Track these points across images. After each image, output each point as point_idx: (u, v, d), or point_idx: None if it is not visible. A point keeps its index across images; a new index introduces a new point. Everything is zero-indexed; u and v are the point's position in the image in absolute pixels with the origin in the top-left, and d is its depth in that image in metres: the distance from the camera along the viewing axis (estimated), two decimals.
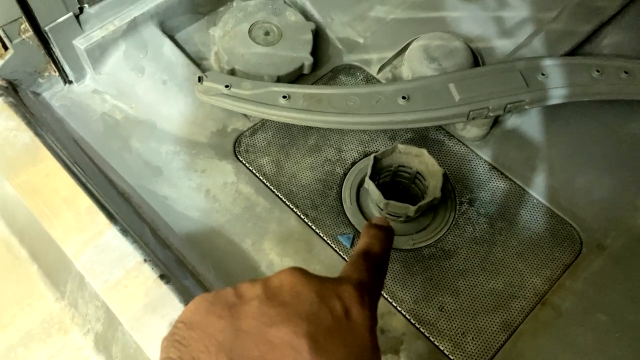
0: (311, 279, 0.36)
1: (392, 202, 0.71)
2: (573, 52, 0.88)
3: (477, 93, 0.76)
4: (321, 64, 0.91)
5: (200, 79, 0.78)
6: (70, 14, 0.76)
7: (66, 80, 0.83)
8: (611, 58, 0.82)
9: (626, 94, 0.80)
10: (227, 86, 0.77)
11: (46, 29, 0.75)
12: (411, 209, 0.71)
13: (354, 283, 0.37)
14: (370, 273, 0.41)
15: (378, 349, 0.36)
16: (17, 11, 0.71)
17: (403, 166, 0.77)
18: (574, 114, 0.85)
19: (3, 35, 0.72)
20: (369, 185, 0.73)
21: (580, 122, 0.85)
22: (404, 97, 0.76)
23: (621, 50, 0.90)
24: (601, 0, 0.94)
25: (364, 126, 0.77)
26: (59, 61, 0.80)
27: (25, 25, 0.73)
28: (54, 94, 0.83)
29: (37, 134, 0.71)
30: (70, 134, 0.80)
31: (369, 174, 0.73)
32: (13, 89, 0.77)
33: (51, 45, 0.77)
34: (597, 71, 0.79)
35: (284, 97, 0.76)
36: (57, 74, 0.81)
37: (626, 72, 0.80)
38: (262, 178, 0.79)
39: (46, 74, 0.81)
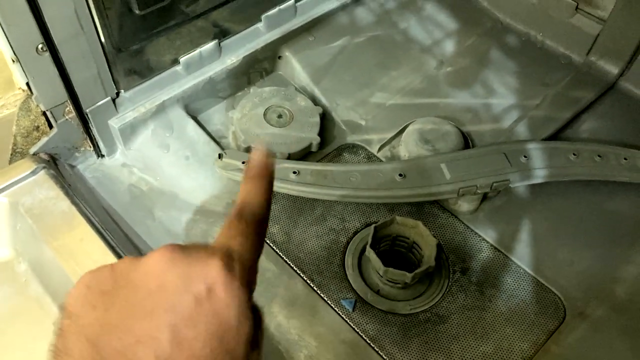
0: (179, 262, 0.36)
1: (390, 269, 0.78)
2: (554, 137, 0.98)
3: (466, 172, 0.85)
4: (327, 142, 1.01)
5: (220, 156, 0.88)
6: (109, 98, 0.87)
7: (99, 154, 0.93)
8: (586, 143, 0.92)
9: (600, 175, 0.89)
10: (243, 162, 0.87)
11: (87, 111, 0.85)
12: (408, 276, 0.78)
13: (222, 255, 0.36)
14: (244, 236, 0.40)
15: (247, 319, 0.35)
16: (64, 96, 0.82)
17: (401, 236, 0.85)
18: (555, 192, 0.94)
19: (50, 116, 0.83)
20: (370, 253, 0.80)
21: (561, 199, 0.94)
22: (400, 175, 0.85)
23: (597, 135, 1.01)
24: (579, 91, 1.05)
25: (364, 199, 0.86)
26: (94, 138, 0.90)
27: (70, 107, 0.84)
28: (87, 166, 0.93)
29: (73, 202, 0.80)
30: (100, 202, 0.88)
31: (369, 242, 0.81)
32: (53, 162, 0.86)
33: (90, 125, 0.88)
34: (574, 154, 0.89)
35: (294, 172, 0.85)
36: (91, 149, 0.91)
37: (600, 156, 0.89)
38: (272, 245, 0.87)
39: (82, 149, 0.91)
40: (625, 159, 0.89)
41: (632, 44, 1.04)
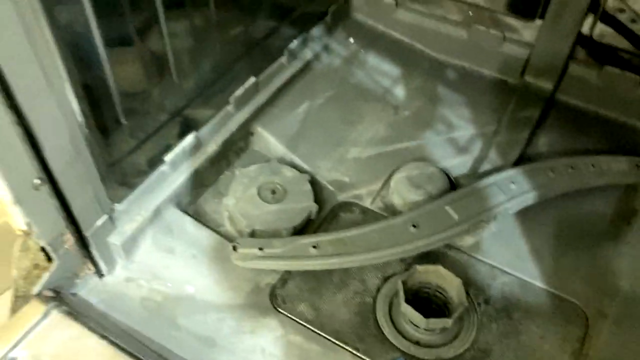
0: None
1: (432, 319, 0.81)
2: (522, 157, 1.07)
3: (470, 210, 0.90)
4: (319, 206, 1.02)
5: (235, 248, 0.86)
6: (106, 215, 0.82)
7: (100, 274, 0.87)
8: (558, 158, 1.02)
9: (578, 185, 0.98)
10: (260, 248, 0.86)
11: (87, 234, 0.80)
12: (448, 322, 0.81)
13: None
14: None
15: None
16: (62, 226, 0.76)
17: (423, 283, 0.88)
18: (539, 208, 1.01)
19: (50, 250, 0.77)
20: (407, 309, 0.82)
21: (546, 213, 1.01)
22: (414, 225, 0.88)
23: (554, 148, 1.11)
24: (526, 110, 1.16)
25: (387, 258, 0.88)
26: (95, 259, 0.84)
27: (68, 235, 0.79)
28: (90, 290, 0.86)
29: (101, 336, 0.74)
30: (117, 325, 0.83)
31: (402, 298, 0.83)
32: (58, 296, 0.80)
33: (90, 248, 0.82)
34: (551, 171, 0.98)
35: (314, 246, 0.86)
36: (92, 270, 0.86)
37: (572, 167, 0.99)
38: (305, 324, 0.86)
39: (82, 274, 0.85)
40: (592, 165, 0.99)
41: (560, 60, 1.17)
